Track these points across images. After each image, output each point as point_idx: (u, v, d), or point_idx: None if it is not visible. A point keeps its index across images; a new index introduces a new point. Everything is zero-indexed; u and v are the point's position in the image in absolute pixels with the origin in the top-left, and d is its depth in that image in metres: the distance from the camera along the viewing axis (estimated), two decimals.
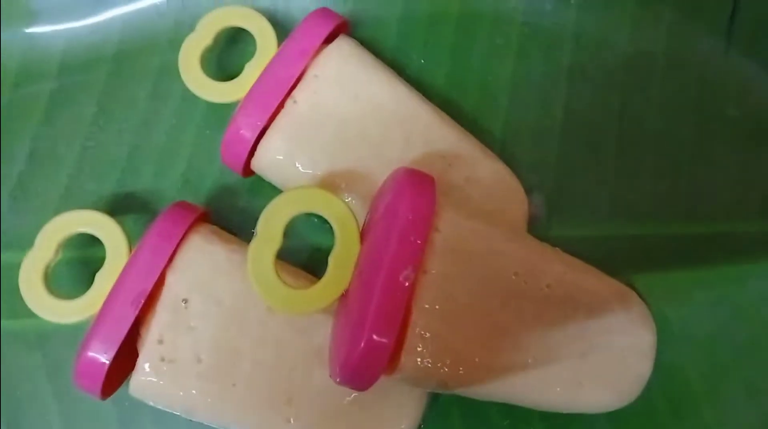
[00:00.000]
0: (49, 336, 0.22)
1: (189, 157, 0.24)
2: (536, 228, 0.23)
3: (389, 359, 0.18)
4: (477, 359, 0.18)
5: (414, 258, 0.17)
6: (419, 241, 0.17)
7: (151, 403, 0.20)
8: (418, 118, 0.22)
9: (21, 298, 0.20)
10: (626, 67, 0.25)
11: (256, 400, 0.19)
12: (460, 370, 0.18)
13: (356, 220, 0.19)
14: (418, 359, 0.18)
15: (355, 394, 0.20)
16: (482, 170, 0.22)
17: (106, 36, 0.25)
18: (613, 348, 0.20)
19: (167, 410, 0.20)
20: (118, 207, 0.23)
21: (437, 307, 0.18)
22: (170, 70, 0.24)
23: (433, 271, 0.18)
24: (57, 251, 0.20)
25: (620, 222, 0.24)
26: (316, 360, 0.20)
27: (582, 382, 0.20)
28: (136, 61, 0.25)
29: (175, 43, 0.23)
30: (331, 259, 0.18)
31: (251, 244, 0.18)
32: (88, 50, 0.25)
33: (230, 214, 0.23)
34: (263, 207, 0.19)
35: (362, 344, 0.17)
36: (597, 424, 0.22)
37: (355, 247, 0.19)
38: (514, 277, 0.19)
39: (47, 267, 0.20)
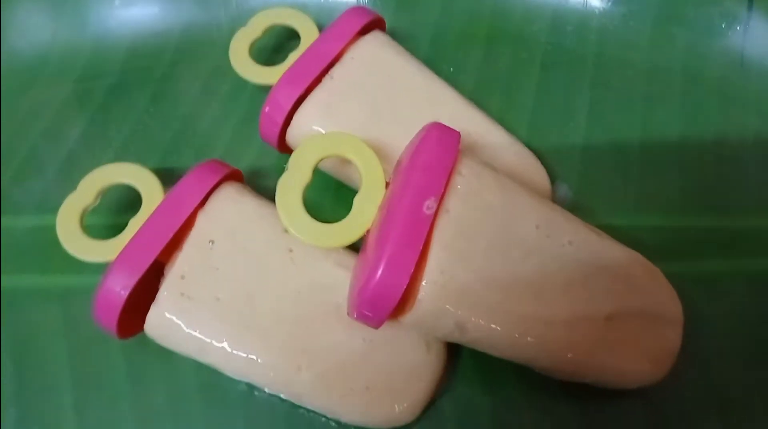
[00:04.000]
0: (71, 293, 0.23)
1: (229, 142, 0.26)
2: None
3: (406, 296, 0.18)
4: (495, 303, 0.18)
5: (437, 188, 0.18)
6: (444, 174, 0.18)
7: (165, 343, 0.19)
8: (447, 103, 0.23)
9: (48, 255, 0.20)
10: (647, 80, 0.26)
11: (269, 346, 0.19)
12: (477, 312, 0.18)
13: (381, 166, 0.19)
14: (435, 294, 0.17)
15: (369, 353, 0.19)
16: (507, 154, 0.23)
17: (166, 40, 0.28)
18: (642, 313, 0.19)
19: (179, 351, 0.19)
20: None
21: (456, 246, 0.18)
22: (222, 71, 0.26)
23: (454, 212, 0.18)
24: (96, 197, 0.21)
25: (647, 214, 0.24)
26: (334, 317, 0.20)
27: (611, 347, 0.19)
28: (191, 63, 0.27)
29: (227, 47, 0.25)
30: (356, 200, 0.19)
31: (281, 177, 0.19)
32: (148, 52, 0.28)
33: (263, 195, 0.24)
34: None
35: (382, 266, 0.17)
36: (632, 409, 0.20)
37: (379, 191, 0.19)
38: (535, 229, 0.19)
39: (85, 210, 0.21)
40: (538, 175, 0.23)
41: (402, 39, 0.27)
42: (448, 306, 0.18)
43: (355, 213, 0.19)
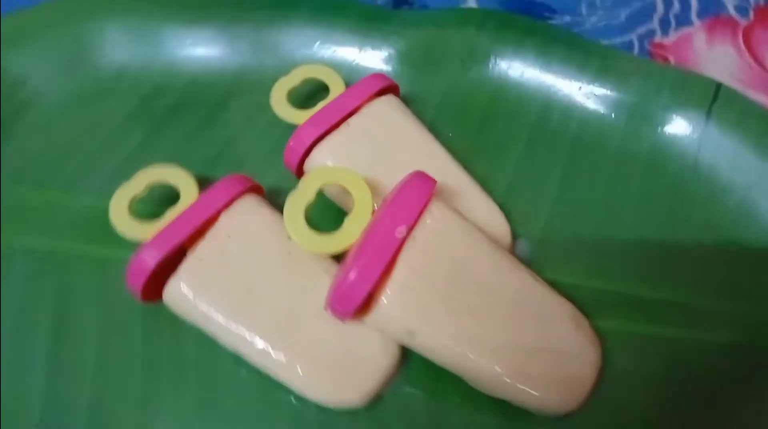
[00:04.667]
0: (110, 263, 0.28)
1: (259, 164, 0.31)
2: None
3: (370, 297, 0.23)
4: (442, 319, 0.22)
5: (409, 219, 0.22)
6: (416, 210, 0.23)
7: (177, 310, 0.24)
8: (438, 159, 0.28)
9: (98, 231, 0.26)
10: (614, 165, 0.31)
11: (256, 326, 0.24)
12: (425, 323, 0.22)
13: (371, 197, 0.24)
14: (394, 302, 0.22)
15: (336, 342, 0.24)
16: (480, 207, 0.28)
17: (222, 75, 0.34)
18: (561, 354, 0.24)
19: (186, 318, 0.24)
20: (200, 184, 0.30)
21: (418, 267, 0.22)
22: (262, 107, 0.31)
23: (421, 241, 0.23)
24: (145, 189, 0.27)
25: (591, 277, 0.28)
26: (314, 312, 0.24)
27: (528, 374, 0.23)
28: (239, 97, 0.33)
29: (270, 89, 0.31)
30: (346, 220, 0.24)
31: (290, 194, 0.24)
32: (206, 83, 0.33)
33: (278, 209, 0.29)
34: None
35: (354, 271, 0.22)
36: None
37: (367, 216, 0.24)
38: (488, 268, 0.23)
39: (134, 197, 0.26)
40: (503, 229, 0.27)
41: (413, 101, 0.33)
42: (402, 313, 0.22)
43: (344, 229, 0.24)
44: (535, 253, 0.29)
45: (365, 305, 0.23)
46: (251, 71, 0.34)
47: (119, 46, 0.34)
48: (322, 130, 0.27)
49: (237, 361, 0.25)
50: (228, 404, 0.25)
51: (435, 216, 0.23)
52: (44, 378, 0.25)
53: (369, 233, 0.23)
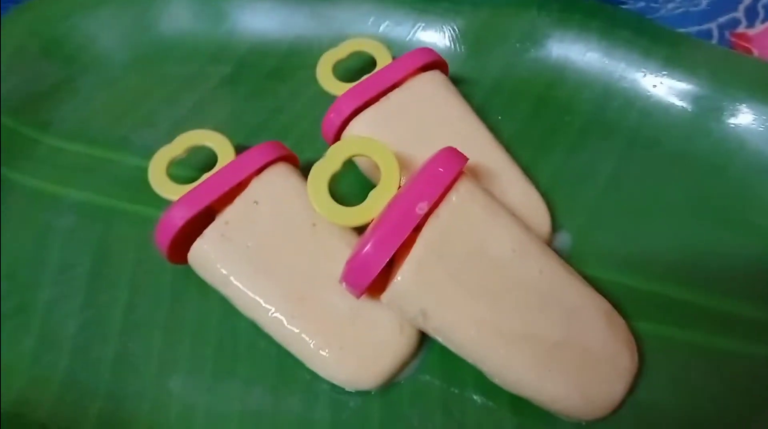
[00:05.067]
0: (149, 221, 0.28)
1: (300, 135, 0.31)
2: None
3: (387, 278, 0.22)
4: (458, 301, 0.21)
5: (431, 195, 0.22)
6: (441, 186, 0.22)
7: (200, 272, 0.25)
8: (478, 139, 0.27)
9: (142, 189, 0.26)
10: (670, 163, 0.29)
11: (274, 293, 0.23)
12: (440, 303, 0.21)
13: (399, 172, 0.24)
14: (409, 279, 0.21)
15: (352, 320, 0.23)
16: (517, 190, 0.26)
17: (277, 46, 0.34)
18: (590, 353, 0.22)
19: (208, 280, 0.24)
20: (238, 150, 0.30)
21: (438, 246, 0.22)
22: (311, 80, 0.31)
23: (443, 219, 0.22)
24: (185, 151, 0.27)
25: (633, 274, 0.26)
26: (333, 284, 0.24)
27: (550, 369, 0.22)
28: (290, 70, 0.33)
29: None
30: (371, 193, 0.23)
31: (317, 162, 0.24)
32: (260, 53, 0.34)
33: None
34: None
35: (370, 244, 0.21)
36: None
37: (392, 190, 0.23)
38: (511, 251, 0.22)
39: (173, 159, 0.27)
40: (542, 217, 0.26)
41: (464, 81, 0.32)
42: (417, 292, 0.21)
43: (368, 203, 0.23)
44: (577, 246, 0.27)
45: (383, 284, 0.22)
46: (305, 44, 0.34)
47: (182, 13, 0.35)
48: (360, 102, 0.27)
49: (257, 331, 0.25)
50: (242, 371, 0.25)
51: (461, 194, 0.22)
52: (75, 327, 0.26)
53: (389, 207, 0.22)
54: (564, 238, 0.27)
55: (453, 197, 0.22)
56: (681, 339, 0.24)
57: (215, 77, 0.33)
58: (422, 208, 0.21)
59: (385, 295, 0.22)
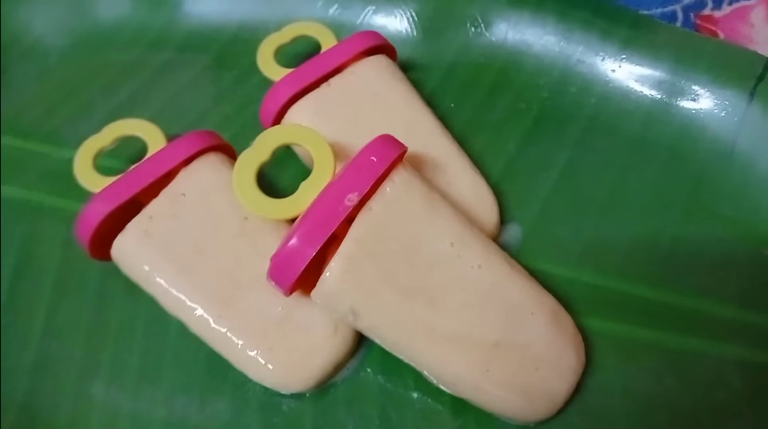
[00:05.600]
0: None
1: (241, 125, 0.29)
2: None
3: (317, 273, 0.20)
4: (389, 300, 0.20)
5: (362, 186, 0.20)
6: (372, 176, 0.20)
7: (123, 268, 0.23)
8: (423, 125, 0.26)
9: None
10: (629, 150, 0.27)
11: (199, 292, 0.22)
12: (370, 302, 0.20)
13: (333, 161, 0.22)
14: (337, 276, 0.20)
15: (282, 320, 0.22)
16: (464, 181, 0.25)
17: (220, 33, 0.32)
18: (532, 352, 0.21)
19: (131, 277, 0.23)
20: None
21: (368, 241, 0.20)
22: (256, 67, 0.30)
23: (376, 212, 0.20)
24: (113, 142, 0.25)
25: (587, 269, 0.25)
26: (263, 282, 0.22)
27: (489, 370, 0.20)
28: (233, 57, 0.32)
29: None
30: (302, 185, 0.22)
31: (244, 151, 0.22)
32: (203, 39, 0.32)
33: None
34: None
35: (294, 238, 0.19)
36: None
37: (325, 180, 0.22)
38: (449, 246, 0.21)
39: (101, 149, 0.25)
40: (488, 209, 0.25)
41: (417, 67, 0.30)
42: (346, 290, 0.20)
43: (298, 194, 0.22)
44: (528, 239, 0.25)
45: (313, 282, 0.21)
46: (250, 28, 0.32)
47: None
48: (298, 88, 0.25)
49: (186, 333, 0.23)
50: (169, 375, 0.23)
51: (396, 185, 0.21)
52: None
53: (317, 199, 0.20)
54: (514, 231, 0.26)
55: (387, 188, 0.21)
56: (635, 337, 0.23)
57: (155, 64, 0.32)
58: (351, 199, 0.20)
59: (314, 292, 0.21)
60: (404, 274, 0.20)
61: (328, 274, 0.20)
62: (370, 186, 0.20)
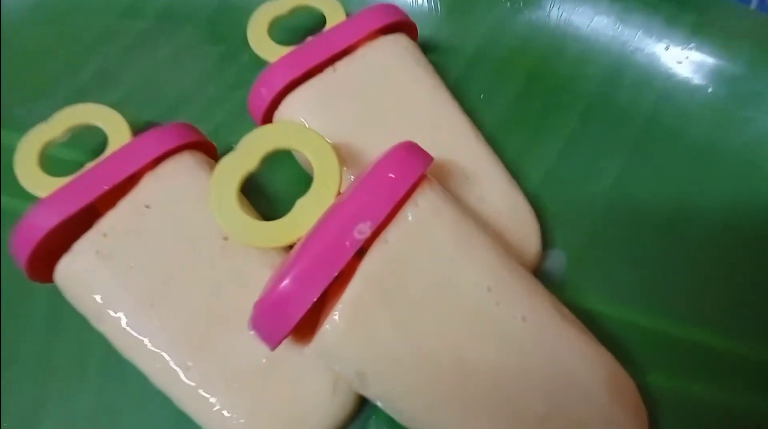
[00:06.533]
0: None
1: (227, 114, 0.24)
2: (547, 286, 0.20)
3: (314, 322, 0.16)
4: (408, 364, 0.15)
5: (376, 213, 0.15)
6: (390, 200, 0.16)
7: (69, 297, 0.18)
8: (450, 125, 0.21)
9: None
10: (697, 158, 0.22)
11: (164, 332, 0.17)
12: (383, 366, 0.15)
13: (340, 172, 0.17)
14: (341, 328, 0.15)
15: (267, 374, 0.17)
16: (499, 196, 0.20)
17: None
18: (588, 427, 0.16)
19: (79, 309, 0.18)
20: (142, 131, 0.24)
21: (383, 284, 0.15)
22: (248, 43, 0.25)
23: (394, 245, 0.16)
24: (65, 133, 0.20)
25: (647, 310, 0.20)
26: (244, 321, 0.18)
27: None
28: (222, 28, 0.27)
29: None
30: (298, 202, 0.17)
31: (225, 157, 0.17)
32: (186, 6, 0.27)
33: None
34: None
35: (287, 280, 0.15)
36: None
37: (329, 198, 0.17)
38: (486, 291, 0.16)
39: (50, 142, 0.20)
40: (529, 234, 0.20)
41: (439, 49, 0.25)
42: (352, 348, 0.15)
43: (293, 215, 0.17)
44: (573, 270, 0.21)
45: (310, 325, 0.16)
46: None
47: None
48: (296, 73, 0.20)
49: (149, 382, 0.18)
50: None
51: (421, 210, 0.16)
52: None
53: (318, 228, 0.16)
54: (557, 258, 0.21)
55: (408, 215, 0.16)
56: (706, 397, 0.19)
57: (129, 35, 0.26)
58: (363, 231, 0.15)
59: (311, 347, 0.16)
60: (428, 328, 0.15)
61: (328, 326, 0.15)
62: (387, 213, 0.15)
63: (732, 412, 0.19)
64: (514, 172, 0.22)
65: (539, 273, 0.20)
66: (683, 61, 0.24)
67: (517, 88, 0.24)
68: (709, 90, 0.23)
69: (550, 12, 0.25)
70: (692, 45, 0.24)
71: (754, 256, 0.21)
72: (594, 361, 0.17)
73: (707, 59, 0.24)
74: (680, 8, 0.24)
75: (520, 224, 0.20)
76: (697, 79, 0.24)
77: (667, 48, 0.24)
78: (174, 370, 0.17)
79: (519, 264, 0.17)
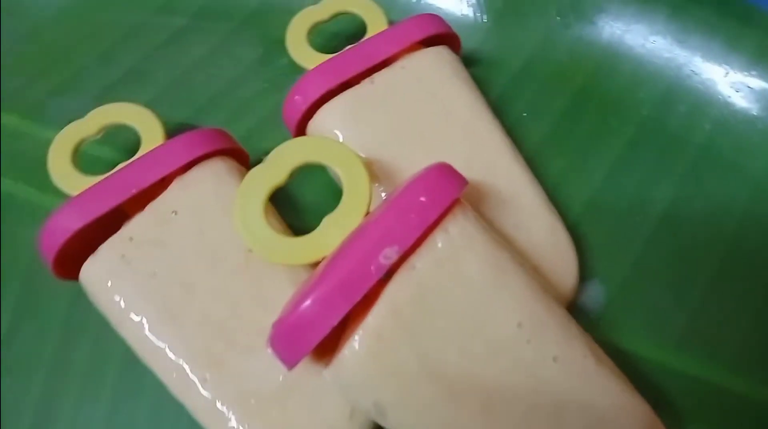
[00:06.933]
0: None
1: (261, 120, 0.24)
2: (582, 322, 0.19)
3: (333, 346, 0.15)
4: (431, 399, 0.15)
5: (405, 238, 0.15)
6: (420, 226, 0.15)
7: (93, 300, 0.18)
8: (489, 143, 0.20)
9: None
10: (754, 193, 0.21)
11: (184, 343, 0.17)
12: (404, 400, 0.15)
13: (370, 190, 0.17)
14: (361, 361, 0.14)
15: (283, 394, 0.17)
16: (538, 223, 0.19)
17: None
18: None
19: (102, 312, 0.18)
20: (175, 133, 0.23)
21: (408, 314, 0.15)
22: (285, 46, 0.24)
23: (422, 273, 0.15)
24: (99, 131, 0.20)
25: (693, 356, 0.19)
26: (265, 339, 0.17)
27: None
28: (260, 29, 0.26)
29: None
30: (325, 219, 0.16)
31: (253, 169, 0.17)
32: (224, 5, 0.27)
33: None
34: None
35: (308, 302, 0.14)
36: None
37: (357, 216, 0.16)
38: (517, 327, 0.15)
39: (84, 139, 0.20)
40: (566, 266, 0.19)
41: (483, 63, 0.24)
42: (372, 377, 0.15)
43: (319, 232, 0.16)
44: (612, 305, 0.20)
45: (330, 346, 0.16)
46: None
47: None
48: (334, 83, 0.20)
49: (166, 390, 0.18)
50: None
51: (452, 237, 0.15)
52: None
53: (343, 249, 0.15)
54: (594, 292, 0.20)
55: (438, 242, 0.15)
56: None
57: (164, 32, 0.26)
58: (389, 256, 0.14)
59: (328, 372, 0.15)
60: (454, 363, 0.15)
61: (347, 352, 0.15)
62: (416, 238, 0.15)
63: None
64: (554, 198, 0.21)
65: (575, 307, 0.19)
66: (743, 89, 0.22)
67: (563, 108, 0.23)
68: None
69: (603, 29, 0.24)
70: (753, 72, 0.22)
71: None
72: (628, 410, 0.16)
73: None
74: (743, 30, 0.23)
75: (558, 255, 0.19)
76: (757, 108, 0.22)
77: (726, 74, 0.23)
78: (191, 381, 0.17)
79: (554, 299, 0.16)
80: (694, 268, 0.20)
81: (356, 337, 0.15)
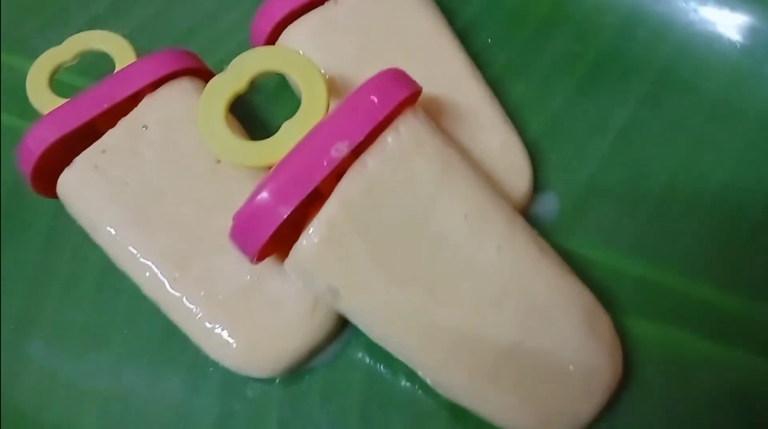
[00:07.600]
0: None
1: (236, 48, 0.24)
2: (536, 229, 0.20)
3: (291, 239, 0.16)
4: (379, 283, 0.16)
5: (355, 134, 0.15)
6: (370, 122, 0.16)
7: (69, 210, 0.19)
8: (451, 63, 0.21)
9: None
10: (709, 116, 0.22)
11: (153, 245, 0.18)
12: (354, 284, 0.16)
13: (326, 96, 0.17)
14: (315, 249, 0.15)
15: (250, 290, 0.18)
16: (493, 135, 0.20)
17: None
18: (553, 361, 0.16)
19: (78, 221, 0.19)
20: None
21: (358, 205, 0.16)
22: None
23: (372, 169, 0.16)
24: (75, 57, 0.21)
25: (639, 260, 0.20)
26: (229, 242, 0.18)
27: (498, 379, 0.16)
28: None
29: None
30: (285, 124, 0.17)
31: (216, 76, 0.18)
32: None
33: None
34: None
35: (264, 192, 0.15)
36: None
37: (313, 120, 0.17)
38: (462, 219, 0.16)
39: (60, 64, 0.21)
40: (519, 172, 0.20)
41: None
42: (325, 264, 0.16)
43: (279, 136, 0.17)
44: (565, 214, 0.21)
45: (283, 243, 0.17)
46: None
47: None
48: (296, 4, 0.20)
49: (141, 294, 0.19)
50: (117, 340, 0.20)
51: (402, 136, 0.16)
52: None
53: (298, 145, 0.16)
54: (550, 202, 0.21)
55: (389, 139, 0.16)
56: (690, 348, 0.18)
57: None
58: (340, 149, 0.15)
59: (287, 262, 0.16)
60: (401, 252, 0.16)
61: (304, 241, 0.16)
62: (365, 134, 0.15)
63: (712, 362, 0.18)
64: (516, 118, 0.22)
65: (529, 215, 0.20)
66: (700, 9, 0.23)
67: (527, 35, 0.24)
68: (728, 42, 0.22)
69: None
70: None
71: (759, 216, 0.20)
72: (569, 294, 0.17)
73: (727, 9, 0.23)
74: None
75: (512, 165, 0.20)
76: (715, 30, 0.23)
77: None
78: (162, 280, 0.18)
79: (502, 198, 0.17)
80: (646, 184, 0.21)
81: (310, 228, 0.16)
